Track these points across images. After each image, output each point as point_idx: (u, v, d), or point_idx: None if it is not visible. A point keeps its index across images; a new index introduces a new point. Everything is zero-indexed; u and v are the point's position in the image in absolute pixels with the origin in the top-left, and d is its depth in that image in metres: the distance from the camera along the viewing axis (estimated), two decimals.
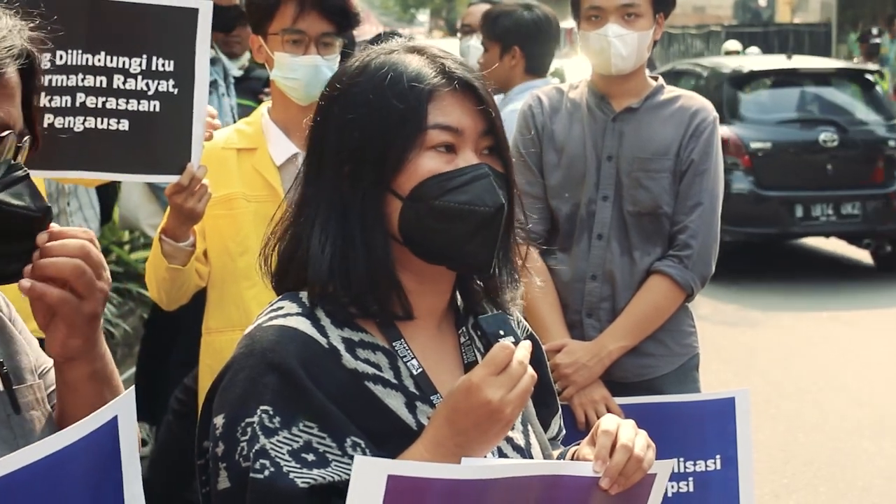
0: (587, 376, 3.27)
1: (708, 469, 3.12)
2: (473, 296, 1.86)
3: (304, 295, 1.77)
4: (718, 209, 3.37)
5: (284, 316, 1.73)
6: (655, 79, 3.48)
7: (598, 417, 2.38)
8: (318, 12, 3.15)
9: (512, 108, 4.10)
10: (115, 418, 1.52)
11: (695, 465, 3.12)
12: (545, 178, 3.43)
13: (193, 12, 2.93)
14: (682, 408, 3.20)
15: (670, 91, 3.45)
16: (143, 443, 5.60)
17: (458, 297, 1.87)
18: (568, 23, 6.55)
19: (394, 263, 1.74)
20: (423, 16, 59.22)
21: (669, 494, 3.10)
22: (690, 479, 3.12)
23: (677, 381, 3.37)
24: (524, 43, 4.71)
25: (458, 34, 6.07)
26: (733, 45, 18.65)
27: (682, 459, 3.12)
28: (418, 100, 1.73)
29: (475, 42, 5.29)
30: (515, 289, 1.86)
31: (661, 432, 3.03)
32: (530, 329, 1.96)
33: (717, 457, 3.13)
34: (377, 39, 3.77)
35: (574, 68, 11.39)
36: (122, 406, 1.54)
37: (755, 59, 14.78)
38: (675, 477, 3.11)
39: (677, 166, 3.34)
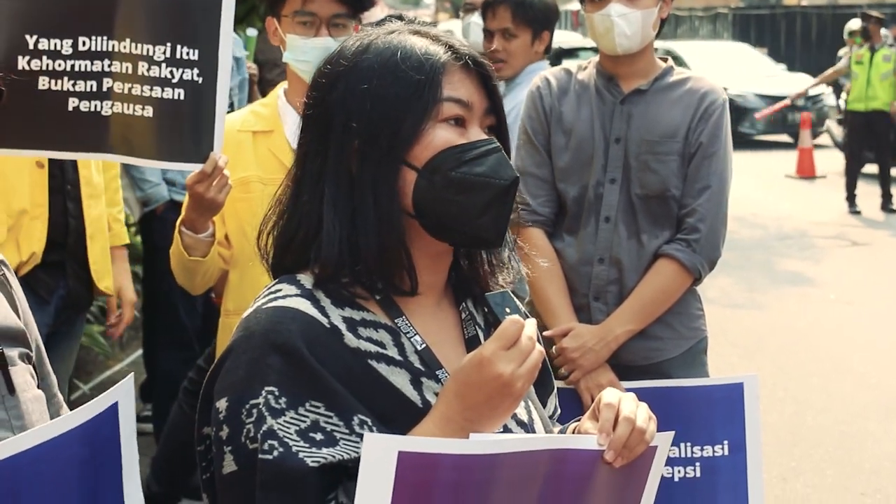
0: (594, 360, 3.26)
1: (716, 454, 3.11)
2: (475, 275, 1.85)
3: (302, 277, 1.76)
4: (727, 192, 3.35)
5: (284, 297, 1.72)
6: (665, 60, 3.46)
7: None
8: None
9: None
10: (116, 405, 1.53)
11: (702, 450, 3.11)
12: (553, 161, 3.41)
13: (217, 3, 2.97)
14: (690, 393, 3.18)
15: (679, 73, 3.42)
16: (145, 419, 5.72)
17: (455, 274, 1.86)
18: (573, 5, 6.53)
19: (406, 237, 1.73)
20: None
21: (676, 479, 3.09)
22: (697, 464, 3.11)
23: (685, 364, 3.36)
24: (551, 26, 4.75)
25: (461, 13, 6.07)
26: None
27: (689, 444, 3.11)
28: (433, 70, 1.73)
29: (476, 19, 5.30)
30: (514, 272, 1.86)
31: (669, 417, 3.02)
32: (525, 311, 1.95)
33: (725, 442, 3.11)
34: (383, 23, 3.75)
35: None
36: (122, 393, 1.55)
37: (572, 37, 22.15)
38: (682, 462, 3.11)
39: (686, 149, 3.31)
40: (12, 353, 1.67)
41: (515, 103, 4.46)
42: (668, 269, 3.28)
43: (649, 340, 3.32)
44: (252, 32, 6.56)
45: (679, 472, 3.10)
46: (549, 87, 3.45)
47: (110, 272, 3.98)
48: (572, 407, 3.12)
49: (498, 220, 1.74)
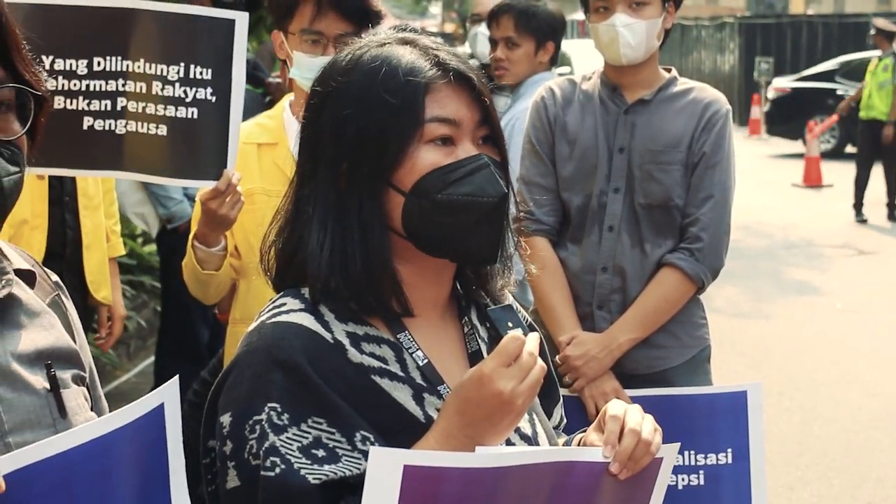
0: (597, 368, 3.27)
1: (719, 463, 3.11)
2: (469, 285, 1.87)
3: (305, 291, 1.76)
4: (730, 202, 3.36)
5: (287, 312, 1.73)
6: (668, 70, 3.47)
7: None
8: (336, 13, 3.15)
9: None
10: (162, 405, 1.53)
11: (706, 458, 3.11)
12: (557, 170, 3.42)
13: (230, 23, 3.01)
14: (693, 401, 3.19)
15: (683, 83, 3.43)
16: None
17: (458, 287, 1.87)
18: (579, 15, 6.55)
19: (392, 260, 1.74)
20: (436, 8, 59.17)
21: (680, 487, 3.10)
22: (701, 472, 3.11)
23: (688, 372, 3.36)
24: (556, 37, 4.77)
25: (468, 23, 6.09)
26: None
27: (693, 452, 3.11)
28: (415, 94, 1.72)
29: (483, 30, 5.33)
30: (508, 276, 1.87)
31: (673, 425, 3.02)
32: (530, 320, 1.96)
33: (729, 450, 3.12)
34: None
35: (581, 52, 12.24)
36: (168, 394, 1.54)
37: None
38: (686, 470, 3.11)
39: (689, 158, 3.32)
40: (65, 375, 1.65)
41: (517, 112, 4.48)
42: (672, 278, 3.29)
43: (653, 349, 3.33)
44: None
45: (683, 479, 3.10)
46: (554, 97, 3.47)
47: (108, 282, 4.00)
48: (576, 415, 3.12)
49: (490, 236, 1.74)
